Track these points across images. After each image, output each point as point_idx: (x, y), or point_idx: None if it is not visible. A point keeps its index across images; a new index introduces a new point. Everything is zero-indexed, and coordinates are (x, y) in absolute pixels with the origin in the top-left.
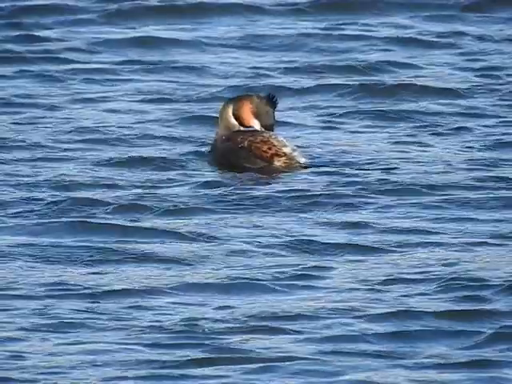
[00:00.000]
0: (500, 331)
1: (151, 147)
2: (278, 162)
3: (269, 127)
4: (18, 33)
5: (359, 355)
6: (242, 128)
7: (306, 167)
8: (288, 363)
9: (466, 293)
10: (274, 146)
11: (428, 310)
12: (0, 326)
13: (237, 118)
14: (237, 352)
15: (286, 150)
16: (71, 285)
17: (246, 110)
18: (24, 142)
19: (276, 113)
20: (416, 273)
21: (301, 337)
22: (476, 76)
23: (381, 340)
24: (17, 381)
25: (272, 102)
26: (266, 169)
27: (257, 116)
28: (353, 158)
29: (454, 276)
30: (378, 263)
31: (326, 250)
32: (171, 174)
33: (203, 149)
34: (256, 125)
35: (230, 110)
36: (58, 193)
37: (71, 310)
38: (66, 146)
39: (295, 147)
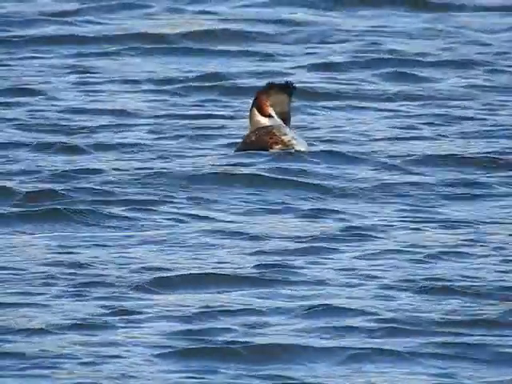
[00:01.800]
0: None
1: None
2: (275, 150)
3: (284, 115)
4: None
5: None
6: (266, 119)
7: (303, 153)
8: (286, 356)
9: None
10: (275, 135)
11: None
12: (22, 320)
13: (259, 111)
14: (235, 345)
15: (285, 137)
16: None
17: (264, 104)
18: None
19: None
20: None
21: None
22: None
23: (371, 337)
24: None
25: (287, 89)
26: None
27: (273, 106)
28: (357, 148)
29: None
30: (366, 257)
31: (309, 243)
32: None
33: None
34: (274, 114)
35: (255, 110)
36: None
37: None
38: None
39: (297, 137)
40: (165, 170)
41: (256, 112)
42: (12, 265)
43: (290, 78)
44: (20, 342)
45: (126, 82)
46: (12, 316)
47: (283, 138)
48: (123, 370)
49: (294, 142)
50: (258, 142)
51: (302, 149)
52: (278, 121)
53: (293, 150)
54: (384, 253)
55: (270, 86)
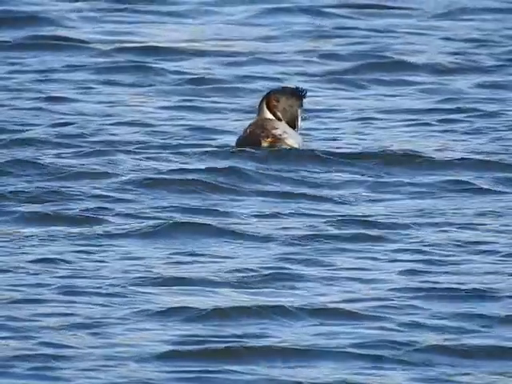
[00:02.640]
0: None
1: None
2: (265, 143)
3: (292, 121)
4: None
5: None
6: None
7: (291, 149)
8: (287, 358)
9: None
10: (266, 129)
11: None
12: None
13: (268, 107)
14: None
15: (275, 131)
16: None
17: (273, 103)
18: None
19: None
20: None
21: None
22: None
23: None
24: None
25: (297, 95)
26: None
27: (280, 110)
28: (353, 149)
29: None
30: (371, 260)
31: (310, 245)
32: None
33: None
34: (280, 116)
35: (264, 105)
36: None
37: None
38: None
39: (290, 131)
40: (158, 175)
41: (265, 108)
42: (12, 268)
43: (290, 83)
44: (21, 342)
45: (126, 85)
46: (12, 313)
47: (273, 131)
48: (124, 371)
49: (285, 135)
50: (252, 135)
51: (294, 144)
52: (283, 124)
53: (283, 146)
54: (387, 255)
55: (283, 89)
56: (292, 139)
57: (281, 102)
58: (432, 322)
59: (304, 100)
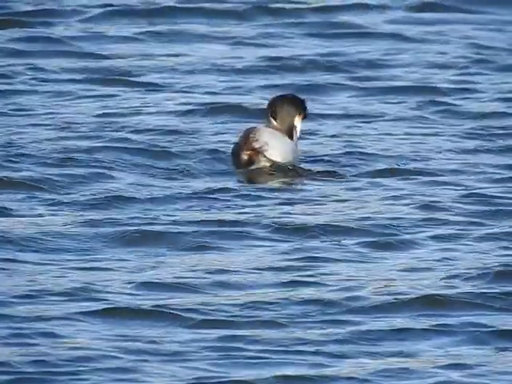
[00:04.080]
0: None
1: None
2: (244, 156)
3: (288, 130)
4: None
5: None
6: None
7: (272, 162)
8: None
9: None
10: (248, 139)
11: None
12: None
13: (271, 115)
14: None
15: (256, 144)
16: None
17: (272, 112)
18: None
19: None
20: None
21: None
22: None
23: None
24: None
25: (297, 103)
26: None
27: (278, 118)
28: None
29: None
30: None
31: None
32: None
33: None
34: (281, 125)
35: (269, 115)
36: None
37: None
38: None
39: (272, 143)
40: (145, 184)
41: (271, 118)
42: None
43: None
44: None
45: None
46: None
47: (254, 144)
48: (124, 368)
49: (265, 147)
50: (239, 144)
51: (276, 156)
52: (282, 134)
53: (263, 159)
54: (386, 261)
55: (283, 97)
56: (275, 151)
57: (280, 111)
58: (435, 329)
59: (305, 110)
